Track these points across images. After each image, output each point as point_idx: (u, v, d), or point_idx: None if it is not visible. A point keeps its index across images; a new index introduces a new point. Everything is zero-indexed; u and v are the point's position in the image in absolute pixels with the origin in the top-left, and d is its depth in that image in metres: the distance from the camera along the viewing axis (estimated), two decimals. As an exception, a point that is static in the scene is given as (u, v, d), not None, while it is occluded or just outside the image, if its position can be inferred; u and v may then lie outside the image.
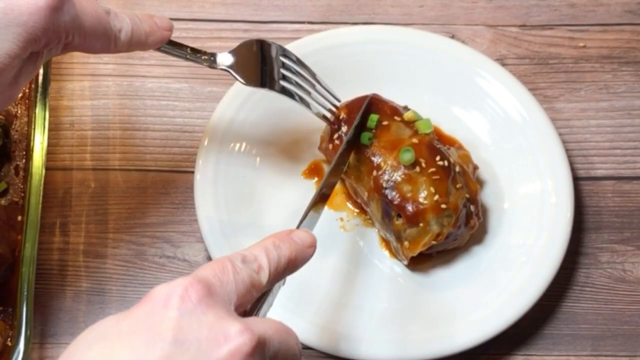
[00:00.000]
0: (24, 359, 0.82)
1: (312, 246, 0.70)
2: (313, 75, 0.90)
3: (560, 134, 0.95)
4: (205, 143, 0.93)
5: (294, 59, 0.89)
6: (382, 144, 0.88)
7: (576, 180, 0.95)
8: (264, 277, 0.64)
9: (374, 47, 0.98)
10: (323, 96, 0.90)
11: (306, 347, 0.87)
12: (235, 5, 1.03)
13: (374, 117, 0.89)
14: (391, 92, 0.96)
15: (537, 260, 0.89)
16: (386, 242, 0.91)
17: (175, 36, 1.01)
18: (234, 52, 0.86)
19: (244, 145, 0.94)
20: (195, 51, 0.85)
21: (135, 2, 1.03)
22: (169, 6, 1.03)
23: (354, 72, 0.97)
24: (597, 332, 0.91)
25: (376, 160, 0.88)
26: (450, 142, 0.95)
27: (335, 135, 0.90)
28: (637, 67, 1.01)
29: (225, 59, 0.85)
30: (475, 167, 0.91)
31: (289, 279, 0.71)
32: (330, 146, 0.90)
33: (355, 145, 0.89)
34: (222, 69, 0.86)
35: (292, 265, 0.68)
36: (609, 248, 0.94)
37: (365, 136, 0.89)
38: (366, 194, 0.89)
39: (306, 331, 0.86)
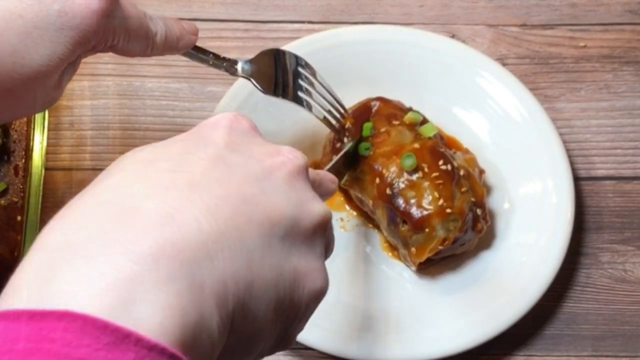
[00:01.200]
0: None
1: (334, 182, 0.69)
2: (326, 86, 0.90)
3: (560, 134, 0.95)
4: (205, 143, 0.92)
5: (309, 68, 0.89)
6: (383, 151, 0.88)
7: (577, 180, 0.95)
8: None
9: (374, 47, 0.98)
10: (332, 105, 0.90)
11: (307, 348, 0.87)
12: (235, 5, 1.03)
13: (367, 125, 0.89)
14: (391, 92, 0.96)
15: (537, 261, 0.89)
16: (393, 248, 0.91)
17: (175, 36, 1.01)
18: (253, 60, 0.87)
19: (244, 145, 0.94)
20: (218, 57, 0.85)
21: (134, 2, 1.02)
22: (168, 6, 1.03)
23: (354, 72, 0.97)
24: (598, 332, 0.91)
25: (378, 168, 0.88)
26: (451, 142, 0.95)
27: (338, 145, 0.90)
28: (637, 67, 1.01)
29: (245, 67, 0.86)
30: (482, 171, 0.91)
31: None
32: (332, 151, 0.90)
33: (353, 156, 0.89)
34: (242, 77, 0.86)
35: (319, 179, 0.67)
36: (610, 248, 0.94)
37: (362, 146, 0.89)
38: (371, 202, 0.88)
39: (309, 332, 0.86)
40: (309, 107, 0.88)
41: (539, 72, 1.01)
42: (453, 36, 1.02)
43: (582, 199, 0.96)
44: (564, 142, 0.95)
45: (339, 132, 0.90)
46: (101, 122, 0.98)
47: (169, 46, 0.78)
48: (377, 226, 0.92)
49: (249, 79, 0.86)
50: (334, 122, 0.90)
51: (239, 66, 0.86)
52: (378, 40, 0.98)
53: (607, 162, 0.98)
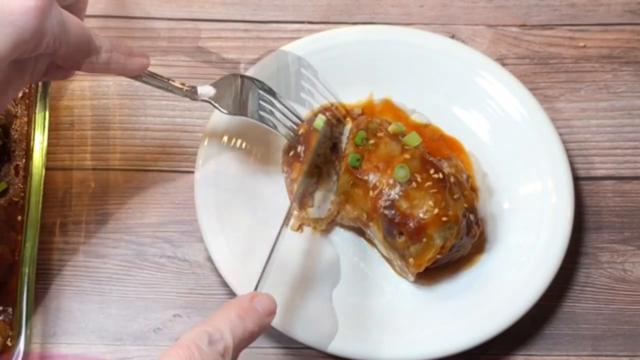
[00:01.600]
0: (24, 358, 0.82)
1: (272, 313, 0.70)
2: (286, 104, 0.92)
3: (560, 134, 0.95)
4: (205, 143, 0.93)
5: (268, 89, 0.92)
6: (374, 163, 0.88)
7: (576, 180, 0.95)
8: (228, 359, 0.65)
9: (374, 47, 0.98)
10: (288, 117, 0.92)
11: (307, 348, 0.87)
12: (235, 5, 1.03)
13: (361, 134, 0.89)
14: (391, 92, 0.96)
15: (537, 260, 0.89)
16: (389, 261, 0.91)
17: (176, 36, 1.01)
18: (213, 85, 0.88)
19: (244, 145, 0.94)
20: (176, 84, 0.86)
21: (135, 2, 1.03)
22: (169, 6, 1.03)
23: (354, 72, 0.97)
24: (598, 332, 0.91)
25: (371, 180, 0.88)
26: (450, 142, 0.95)
27: (292, 153, 0.92)
28: (637, 67, 1.01)
29: (205, 91, 0.87)
30: (469, 176, 0.91)
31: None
32: (284, 162, 0.92)
33: (347, 167, 0.90)
34: (203, 100, 0.88)
35: (252, 338, 0.68)
36: (609, 248, 0.94)
37: (353, 157, 0.89)
38: (365, 215, 0.88)
39: (309, 331, 0.86)
40: (274, 127, 0.90)
41: (538, 72, 1.01)
42: (453, 36, 1.02)
43: (582, 199, 0.96)
44: (564, 142, 0.95)
45: (294, 141, 0.92)
46: (101, 122, 0.98)
47: (115, 62, 0.79)
48: (369, 240, 0.92)
49: (211, 102, 0.88)
50: (292, 134, 0.92)
51: (199, 90, 0.88)
52: (378, 40, 0.98)
53: (606, 162, 0.98)
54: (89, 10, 1.02)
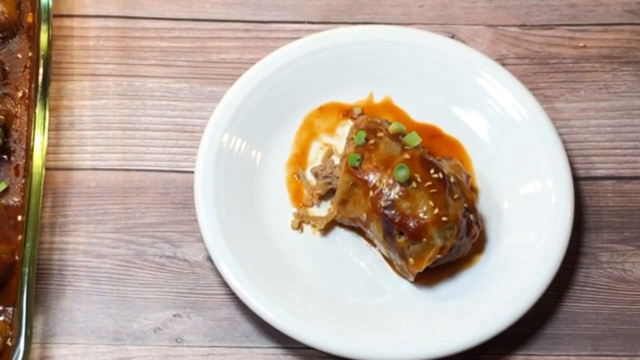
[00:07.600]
0: (24, 358, 0.82)
1: None
2: None
3: (560, 134, 0.95)
4: (205, 143, 0.93)
5: None
6: (374, 163, 0.88)
7: (576, 180, 0.95)
8: None
9: (374, 47, 0.98)
10: None
11: (307, 348, 0.87)
12: (235, 5, 1.03)
13: (360, 134, 0.89)
14: (391, 92, 0.96)
15: (537, 260, 0.89)
16: (389, 261, 0.91)
17: (176, 36, 1.02)
18: None
19: (244, 145, 0.94)
20: None
21: (135, 2, 1.03)
22: (169, 6, 1.03)
23: (354, 72, 0.97)
24: (598, 331, 0.91)
25: (371, 180, 0.88)
26: (450, 142, 0.95)
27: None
28: (637, 67, 1.02)
29: None
30: (469, 176, 0.91)
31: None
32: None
33: (347, 167, 0.89)
34: None
35: None
36: (609, 248, 0.94)
37: (353, 157, 0.89)
38: (365, 215, 0.88)
39: (309, 331, 0.86)
40: None
41: (538, 72, 1.01)
42: (453, 36, 1.02)
43: (582, 199, 0.96)
44: (564, 142, 0.95)
45: None
46: (101, 122, 0.98)
47: None
48: (369, 240, 0.92)
49: None
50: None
51: None
52: (378, 40, 0.98)
53: (606, 162, 0.98)
54: (90, 11, 1.02)
